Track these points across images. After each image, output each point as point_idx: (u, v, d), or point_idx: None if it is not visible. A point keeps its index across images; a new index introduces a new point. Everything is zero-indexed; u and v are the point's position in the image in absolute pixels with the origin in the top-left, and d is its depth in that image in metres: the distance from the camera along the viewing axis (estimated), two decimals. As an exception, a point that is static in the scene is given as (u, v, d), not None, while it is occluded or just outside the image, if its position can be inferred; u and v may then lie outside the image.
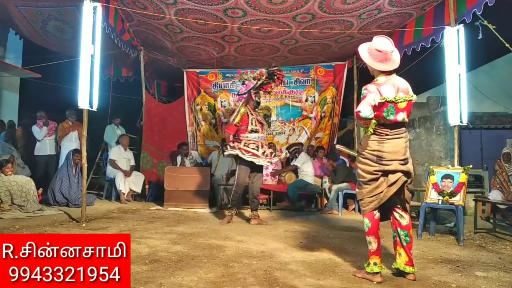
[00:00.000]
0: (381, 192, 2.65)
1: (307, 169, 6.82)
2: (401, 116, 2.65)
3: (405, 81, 2.74)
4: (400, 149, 2.66)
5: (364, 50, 2.78)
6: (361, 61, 2.91)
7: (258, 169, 5.14)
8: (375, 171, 2.66)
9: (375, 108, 2.55)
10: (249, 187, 5.18)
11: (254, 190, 5.16)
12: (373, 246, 2.67)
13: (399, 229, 2.73)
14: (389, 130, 2.65)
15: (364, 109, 2.47)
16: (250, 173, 5.09)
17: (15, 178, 5.25)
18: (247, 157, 4.92)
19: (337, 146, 6.69)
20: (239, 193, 5.10)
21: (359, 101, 2.65)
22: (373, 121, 2.66)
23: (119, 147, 7.18)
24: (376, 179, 2.67)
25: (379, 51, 2.69)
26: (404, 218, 2.72)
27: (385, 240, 3.14)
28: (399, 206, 2.74)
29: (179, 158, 7.31)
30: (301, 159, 6.90)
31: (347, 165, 7.16)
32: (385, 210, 2.76)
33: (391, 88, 2.62)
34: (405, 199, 2.72)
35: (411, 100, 2.69)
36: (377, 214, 2.70)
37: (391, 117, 2.63)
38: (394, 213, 2.75)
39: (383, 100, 2.57)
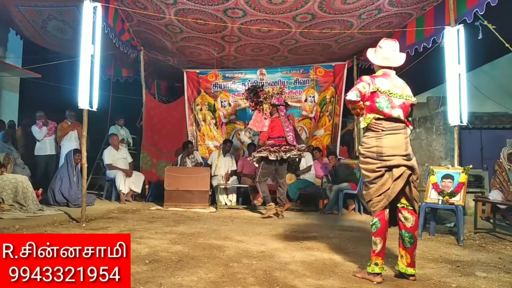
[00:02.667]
0: (388, 188, 2.63)
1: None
2: (397, 112, 2.66)
3: (403, 82, 2.80)
4: (400, 144, 2.66)
5: (372, 49, 2.96)
6: (367, 60, 3.00)
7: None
8: (377, 168, 2.65)
9: (368, 98, 2.65)
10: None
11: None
12: (378, 247, 2.64)
13: (403, 231, 2.69)
14: (385, 125, 2.66)
15: (351, 93, 2.61)
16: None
17: (14, 176, 5.26)
18: None
19: (342, 161, 6.79)
20: None
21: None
22: (368, 115, 2.68)
23: (110, 149, 7.03)
24: (381, 176, 2.66)
25: (380, 47, 2.86)
26: (408, 220, 2.68)
27: (387, 240, 3.12)
28: (404, 207, 2.72)
29: (179, 158, 7.32)
30: (310, 159, 6.96)
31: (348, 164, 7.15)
32: (392, 213, 2.73)
33: (387, 82, 2.70)
34: (413, 197, 2.69)
35: (408, 100, 2.71)
36: (387, 215, 2.67)
37: (386, 110, 2.64)
38: (399, 214, 2.72)
39: (375, 89, 2.64)
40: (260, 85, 7.15)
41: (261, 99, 6.07)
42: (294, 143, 5.69)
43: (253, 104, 6.19)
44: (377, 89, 2.65)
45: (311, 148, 7.73)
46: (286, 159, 5.61)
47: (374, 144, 2.67)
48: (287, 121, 5.78)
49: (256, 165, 5.87)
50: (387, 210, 2.68)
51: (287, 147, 5.60)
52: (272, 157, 5.50)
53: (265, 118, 5.89)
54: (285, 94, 8.24)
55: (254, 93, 6.26)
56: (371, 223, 2.70)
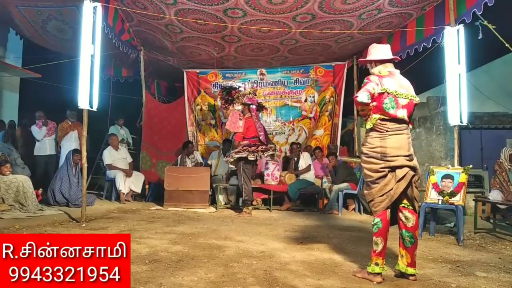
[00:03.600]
0: (391, 189, 2.63)
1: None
2: (402, 113, 2.66)
3: (407, 81, 2.80)
4: (403, 144, 2.66)
5: (362, 59, 3.03)
6: (364, 62, 2.99)
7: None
8: (381, 168, 2.65)
9: (376, 98, 2.64)
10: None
11: None
12: (379, 247, 2.64)
13: (404, 230, 2.70)
14: (390, 126, 2.66)
15: (362, 94, 2.60)
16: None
17: (15, 177, 5.25)
18: None
19: (339, 158, 6.80)
20: None
21: (359, 89, 2.73)
22: (374, 116, 2.68)
23: (110, 149, 7.01)
24: (384, 176, 2.65)
25: (373, 47, 2.90)
26: (409, 220, 2.69)
27: (388, 240, 3.12)
28: (405, 206, 2.72)
29: (179, 158, 7.32)
30: (308, 159, 6.96)
31: (348, 164, 7.14)
32: (393, 213, 2.73)
33: (393, 82, 2.69)
34: (414, 197, 2.70)
35: (413, 100, 2.71)
36: (389, 215, 2.67)
37: (391, 111, 2.64)
38: (400, 214, 2.73)
39: (383, 91, 2.63)
40: (237, 86, 7.25)
41: (233, 97, 6.25)
42: (265, 142, 5.94)
43: (223, 101, 6.41)
44: (385, 90, 2.63)
45: (311, 148, 7.74)
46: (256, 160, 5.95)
47: (378, 144, 2.67)
48: (258, 121, 6.02)
49: (231, 166, 6.07)
50: (389, 210, 2.68)
51: (263, 146, 5.85)
52: (251, 157, 5.71)
53: (240, 119, 6.01)
54: (285, 94, 8.31)
55: (228, 92, 6.45)
56: (372, 223, 2.70)
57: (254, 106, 6.05)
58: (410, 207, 2.72)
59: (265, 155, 5.84)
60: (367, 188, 2.75)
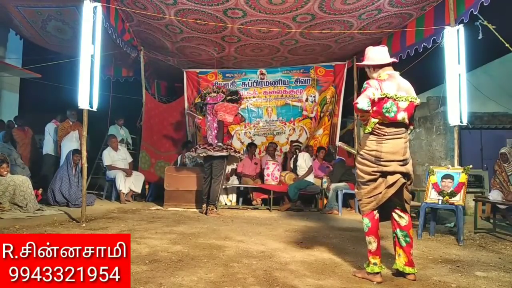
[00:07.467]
0: (380, 193, 2.65)
1: (309, 169, 6.87)
2: (401, 116, 2.64)
3: (408, 82, 2.76)
4: (399, 149, 2.65)
5: (359, 63, 2.99)
6: (362, 65, 2.94)
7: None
8: (373, 171, 2.66)
9: (375, 103, 2.59)
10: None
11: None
12: (373, 246, 2.67)
13: (398, 229, 2.72)
14: (388, 130, 2.65)
15: (362, 101, 2.53)
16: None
17: (12, 178, 5.24)
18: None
19: (338, 143, 6.82)
20: None
21: (359, 94, 2.69)
22: (373, 120, 2.66)
23: (109, 150, 7.00)
24: (375, 180, 2.67)
25: (370, 50, 2.85)
26: (403, 219, 2.72)
27: (385, 240, 3.14)
28: (398, 207, 2.74)
29: (179, 158, 7.32)
30: (308, 160, 6.97)
31: (346, 163, 7.14)
32: (385, 210, 2.76)
33: (393, 85, 2.65)
34: (404, 200, 2.72)
35: (413, 102, 2.69)
36: (377, 215, 2.71)
37: (391, 115, 2.62)
38: (393, 213, 2.75)
39: (383, 96, 2.60)
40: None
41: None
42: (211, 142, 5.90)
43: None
44: (386, 95, 2.59)
45: (312, 148, 7.74)
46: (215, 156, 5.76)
47: (374, 147, 2.67)
48: (208, 123, 6.02)
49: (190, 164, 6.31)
50: (376, 210, 2.71)
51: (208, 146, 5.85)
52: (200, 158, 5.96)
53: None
54: (286, 93, 8.34)
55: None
56: (363, 223, 2.74)
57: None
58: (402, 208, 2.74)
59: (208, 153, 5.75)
60: (358, 187, 2.78)
